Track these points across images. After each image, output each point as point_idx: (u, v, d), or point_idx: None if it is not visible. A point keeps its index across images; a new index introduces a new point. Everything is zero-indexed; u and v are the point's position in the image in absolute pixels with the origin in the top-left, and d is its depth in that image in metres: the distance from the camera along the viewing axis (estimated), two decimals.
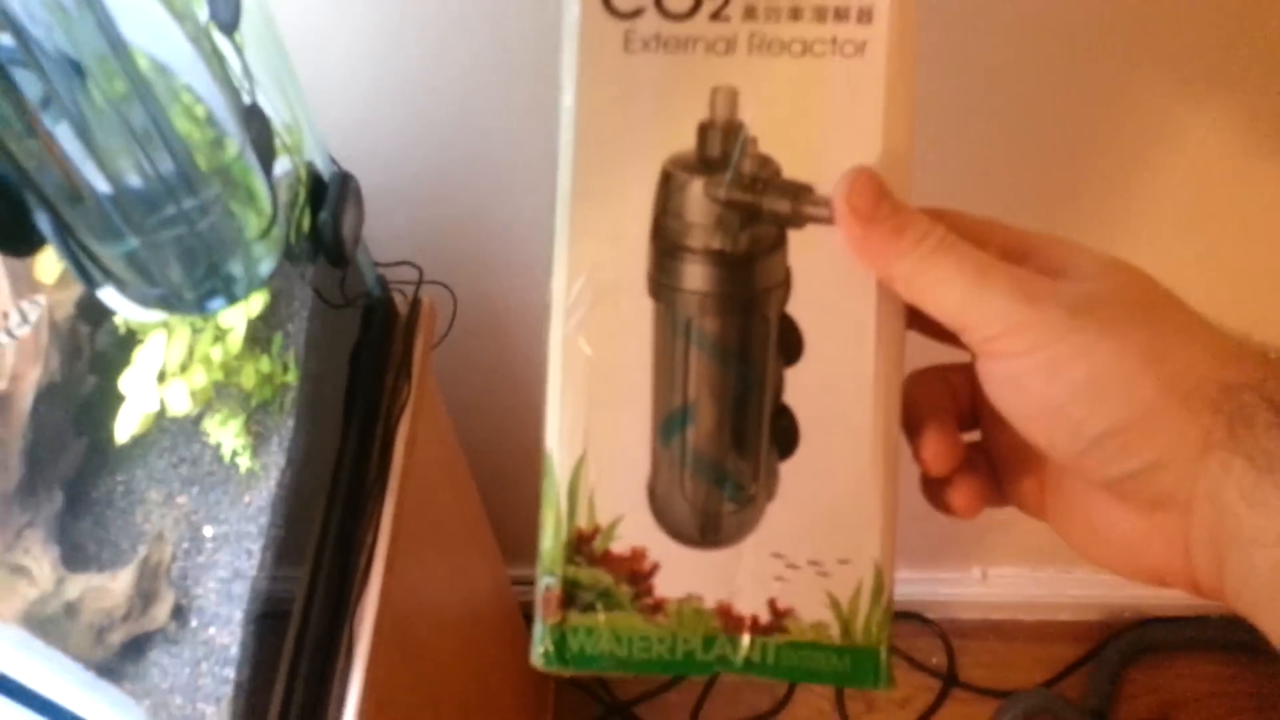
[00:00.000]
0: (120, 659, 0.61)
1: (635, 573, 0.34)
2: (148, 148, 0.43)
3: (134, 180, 0.43)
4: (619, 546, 0.34)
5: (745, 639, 0.34)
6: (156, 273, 0.45)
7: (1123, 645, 1.42)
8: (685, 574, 0.34)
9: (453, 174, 0.93)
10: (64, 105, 0.41)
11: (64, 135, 0.41)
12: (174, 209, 0.44)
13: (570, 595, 0.34)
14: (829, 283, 0.33)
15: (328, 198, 0.73)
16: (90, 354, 0.62)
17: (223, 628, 0.65)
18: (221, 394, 0.66)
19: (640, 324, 0.33)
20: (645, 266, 0.33)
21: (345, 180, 0.74)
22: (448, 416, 0.97)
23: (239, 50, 0.64)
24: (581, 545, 0.34)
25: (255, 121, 0.64)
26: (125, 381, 0.59)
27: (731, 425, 0.34)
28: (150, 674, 0.63)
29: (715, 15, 0.32)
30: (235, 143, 0.49)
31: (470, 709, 1.03)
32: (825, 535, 0.34)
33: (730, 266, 0.33)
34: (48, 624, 0.57)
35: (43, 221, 0.42)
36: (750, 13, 0.32)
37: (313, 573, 0.75)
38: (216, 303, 0.48)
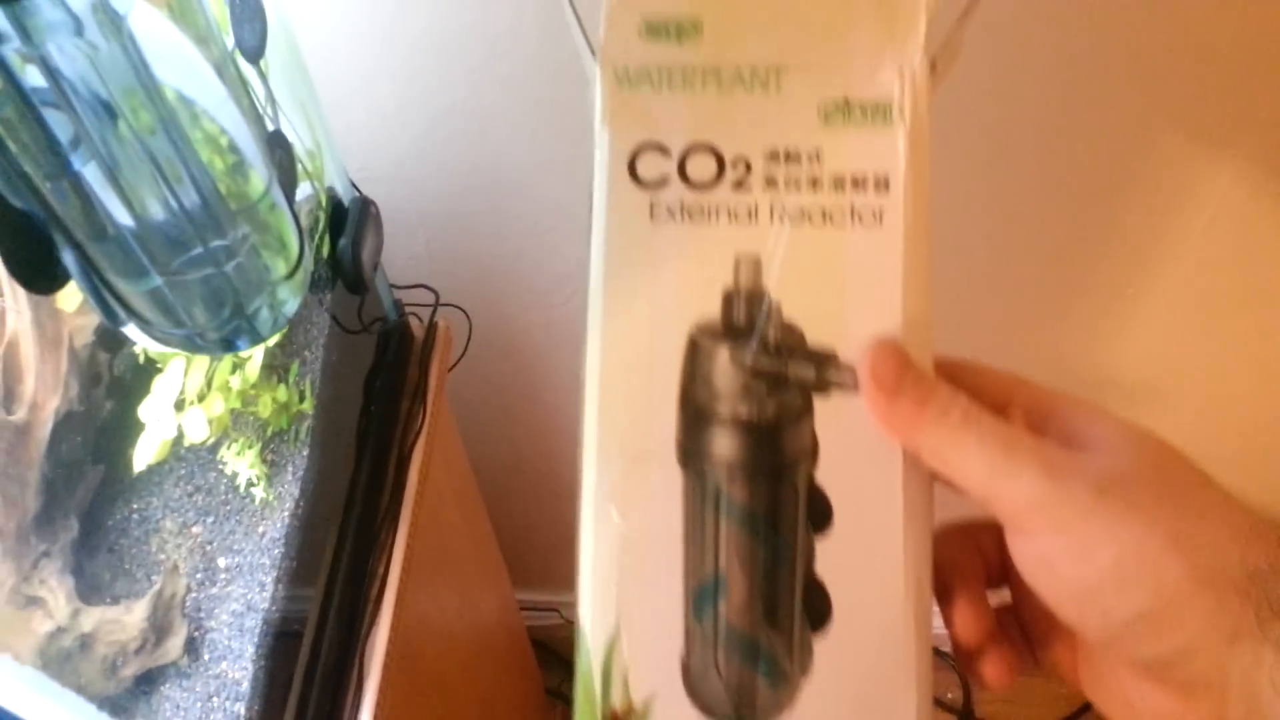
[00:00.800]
0: (133, 693, 0.60)
1: None
2: (175, 187, 0.42)
3: (161, 219, 0.42)
4: None
5: None
6: (181, 312, 0.44)
7: None
8: None
9: (470, 197, 0.93)
10: (93, 145, 0.40)
11: (92, 175, 0.40)
12: (201, 249, 0.43)
13: None
14: (855, 451, 0.33)
15: (348, 224, 0.72)
16: (109, 381, 0.62)
17: (234, 662, 0.64)
18: (238, 422, 0.65)
19: (670, 493, 0.33)
20: (674, 435, 0.33)
21: (365, 206, 0.74)
22: (460, 441, 0.97)
23: (264, 77, 0.63)
24: None
25: (279, 149, 0.63)
26: (144, 409, 0.58)
27: (764, 597, 0.34)
28: (162, 708, 0.62)
29: (738, 185, 0.33)
30: (263, 182, 0.48)
31: None
32: (860, 708, 0.34)
33: (757, 434, 0.33)
34: (62, 657, 0.56)
35: (68, 259, 0.41)
36: (771, 182, 0.33)
37: (324, 603, 0.74)
38: (240, 343, 0.48)
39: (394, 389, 0.83)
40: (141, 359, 0.61)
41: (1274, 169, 0.90)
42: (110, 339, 0.60)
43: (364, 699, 0.74)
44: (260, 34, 0.62)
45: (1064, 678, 0.36)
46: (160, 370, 0.59)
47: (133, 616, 0.60)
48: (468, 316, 0.93)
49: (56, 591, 0.57)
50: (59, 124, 0.37)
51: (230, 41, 0.59)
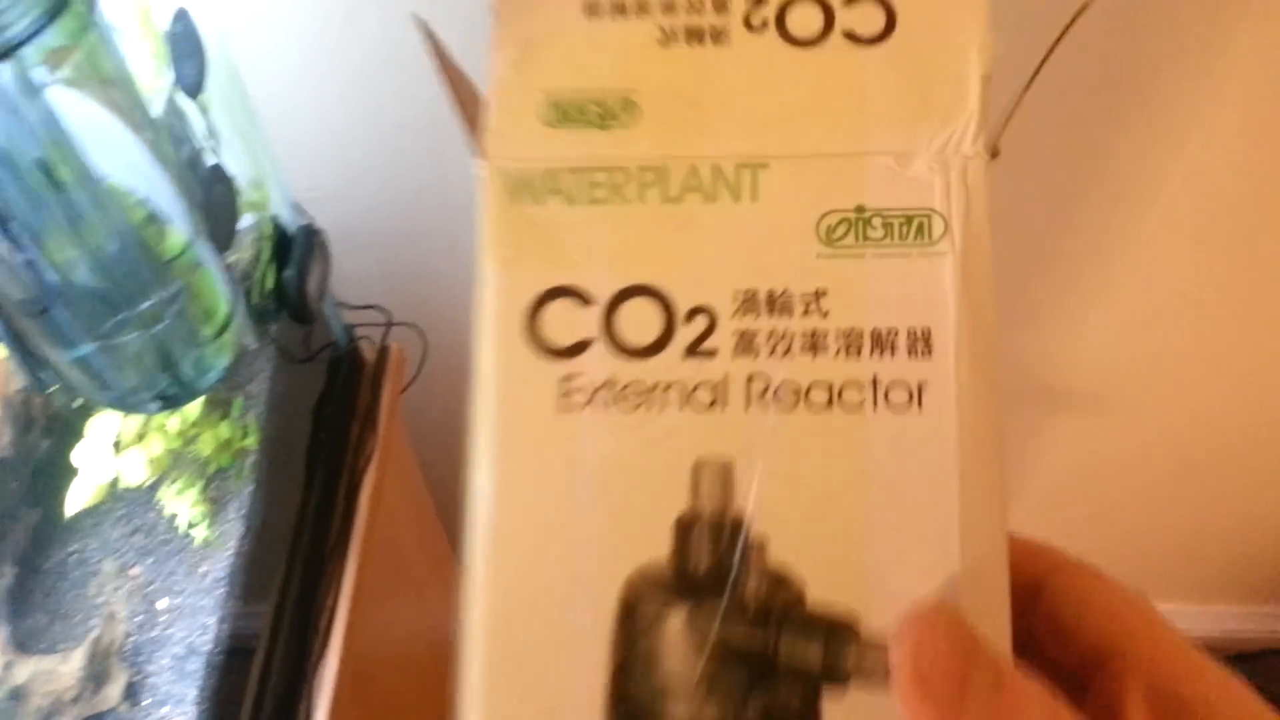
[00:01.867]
0: None
1: None
2: (96, 253, 0.41)
3: (83, 286, 0.41)
4: None
5: None
6: (111, 376, 0.43)
7: None
8: None
9: (423, 214, 0.91)
10: (13, 212, 0.39)
11: (14, 243, 0.39)
12: (126, 313, 0.42)
13: None
14: None
15: (293, 253, 0.71)
16: (43, 423, 0.60)
17: (176, 705, 0.63)
18: (179, 461, 0.64)
19: None
20: None
21: (311, 234, 0.72)
22: (415, 462, 0.96)
23: (204, 111, 0.62)
24: None
25: (218, 184, 0.61)
26: (79, 453, 0.57)
27: None
28: None
29: (695, 350, 0.22)
30: (185, 243, 0.47)
31: None
32: None
33: None
34: None
35: None
36: (747, 344, 0.22)
37: (271, 638, 0.73)
38: (172, 403, 0.47)
39: (344, 415, 0.82)
40: (76, 403, 0.59)
41: (1219, 170, 0.90)
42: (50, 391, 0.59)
43: None
44: (199, 69, 0.60)
45: None
46: (95, 412, 0.58)
47: (69, 666, 0.58)
48: (422, 335, 0.92)
49: None
50: None
51: (169, 79, 0.57)
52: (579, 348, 0.23)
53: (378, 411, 0.82)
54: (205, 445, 0.64)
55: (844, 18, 0.24)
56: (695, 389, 0.22)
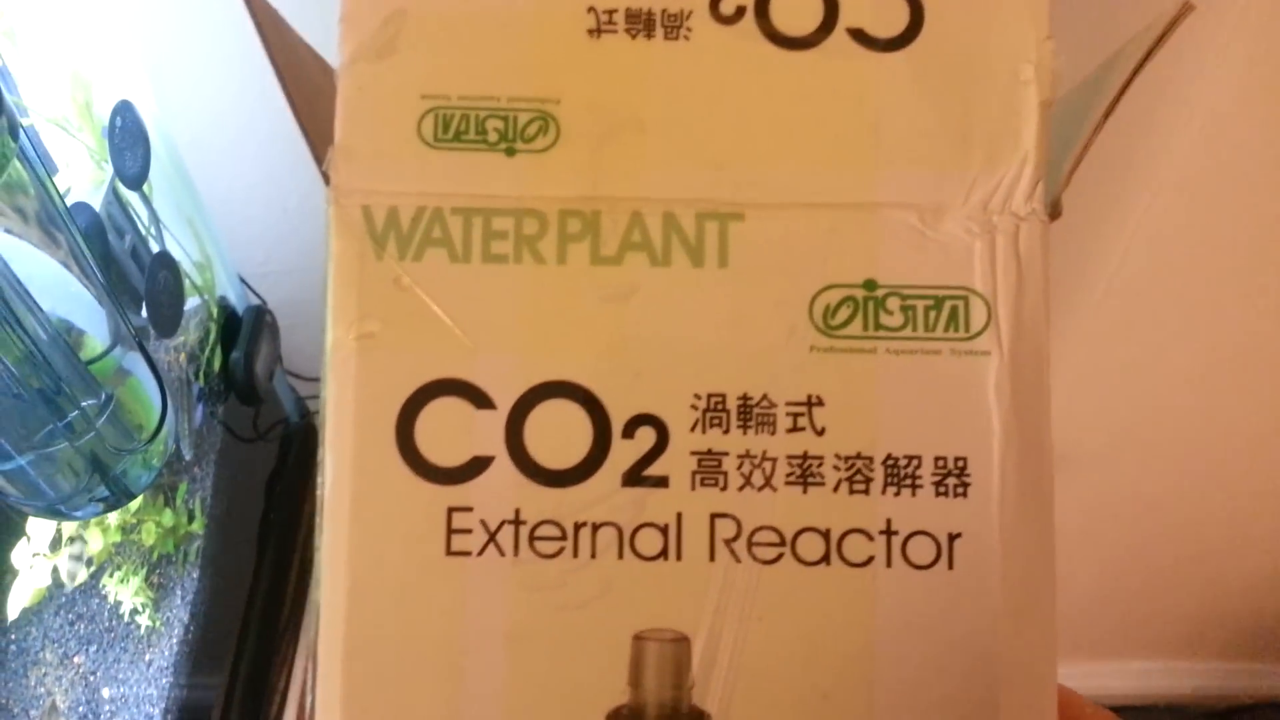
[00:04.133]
0: None
1: None
2: (21, 366, 0.41)
3: (8, 400, 0.41)
4: None
5: None
6: (40, 486, 0.43)
7: None
8: None
9: None
10: None
11: None
12: (52, 425, 0.42)
13: None
14: None
15: (240, 335, 0.71)
16: None
17: None
18: (121, 548, 0.63)
19: None
20: None
21: (260, 315, 0.72)
22: None
23: (146, 199, 0.62)
24: None
25: (162, 270, 0.62)
26: (15, 555, 0.56)
27: None
28: None
29: (635, 474, 0.16)
30: (112, 354, 0.47)
31: None
32: None
33: None
34: None
35: None
36: (711, 469, 0.16)
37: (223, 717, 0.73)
38: (107, 507, 0.46)
39: (296, 492, 0.81)
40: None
41: (1164, 237, 0.91)
42: None
43: None
44: (143, 159, 0.60)
45: None
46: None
47: None
48: None
49: None
50: None
51: (109, 172, 0.57)
52: (473, 468, 0.16)
53: None
54: (148, 534, 0.63)
55: (852, 8, 0.17)
56: (637, 531, 0.16)
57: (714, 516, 0.16)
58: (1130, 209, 0.87)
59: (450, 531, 0.16)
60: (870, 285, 0.16)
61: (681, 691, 0.16)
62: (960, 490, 0.16)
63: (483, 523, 0.16)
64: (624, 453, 0.16)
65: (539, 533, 0.16)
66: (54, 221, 0.43)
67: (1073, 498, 1.21)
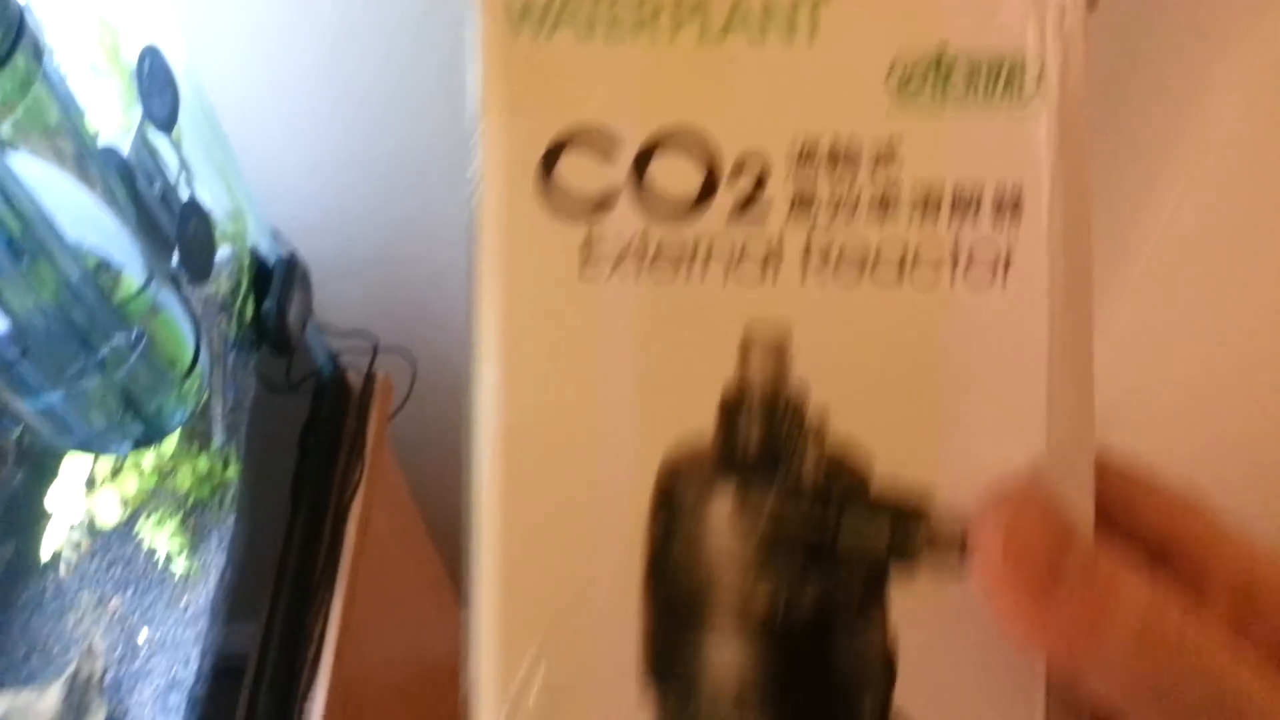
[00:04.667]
0: None
1: None
2: (49, 301, 0.41)
3: (44, 337, 0.41)
4: None
5: None
6: (75, 423, 0.43)
7: None
8: None
9: (407, 238, 0.92)
10: None
11: None
12: (86, 359, 0.42)
13: None
14: (963, 666, 0.20)
15: (272, 284, 0.71)
16: (15, 456, 0.60)
17: None
18: (156, 494, 0.64)
19: None
20: (637, 642, 0.20)
21: (291, 265, 0.72)
22: (406, 487, 0.96)
23: (176, 145, 0.62)
24: None
25: (193, 217, 0.62)
26: (52, 496, 0.57)
27: None
28: None
29: (744, 208, 0.19)
30: (139, 286, 0.47)
31: None
32: None
33: (788, 643, 0.20)
34: None
35: None
36: (804, 204, 0.19)
37: (257, 670, 0.73)
38: (138, 444, 0.47)
39: (330, 443, 0.82)
40: None
41: (1214, 196, 0.89)
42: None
43: None
44: (171, 104, 0.60)
45: None
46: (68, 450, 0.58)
47: (47, 701, 0.58)
48: (411, 359, 0.92)
49: None
50: None
51: (138, 115, 0.58)
52: (603, 204, 0.19)
53: (364, 439, 0.82)
54: (183, 479, 0.64)
55: None
56: (742, 256, 0.19)
57: (806, 243, 0.19)
58: (1179, 169, 0.85)
59: (583, 261, 0.20)
60: (942, 56, 0.19)
61: (782, 382, 0.19)
62: (1015, 212, 0.19)
63: (611, 252, 0.20)
64: (731, 189, 0.19)
65: (659, 256, 0.20)
66: (87, 158, 0.43)
67: None
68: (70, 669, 0.60)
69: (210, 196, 0.65)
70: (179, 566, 0.65)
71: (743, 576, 0.20)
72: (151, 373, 0.46)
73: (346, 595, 0.78)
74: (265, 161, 0.83)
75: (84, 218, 0.44)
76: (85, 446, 0.45)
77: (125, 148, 0.56)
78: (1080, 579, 0.18)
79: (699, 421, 0.20)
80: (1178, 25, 0.77)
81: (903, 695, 0.20)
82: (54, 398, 0.42)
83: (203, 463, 0.65)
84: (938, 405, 0.20)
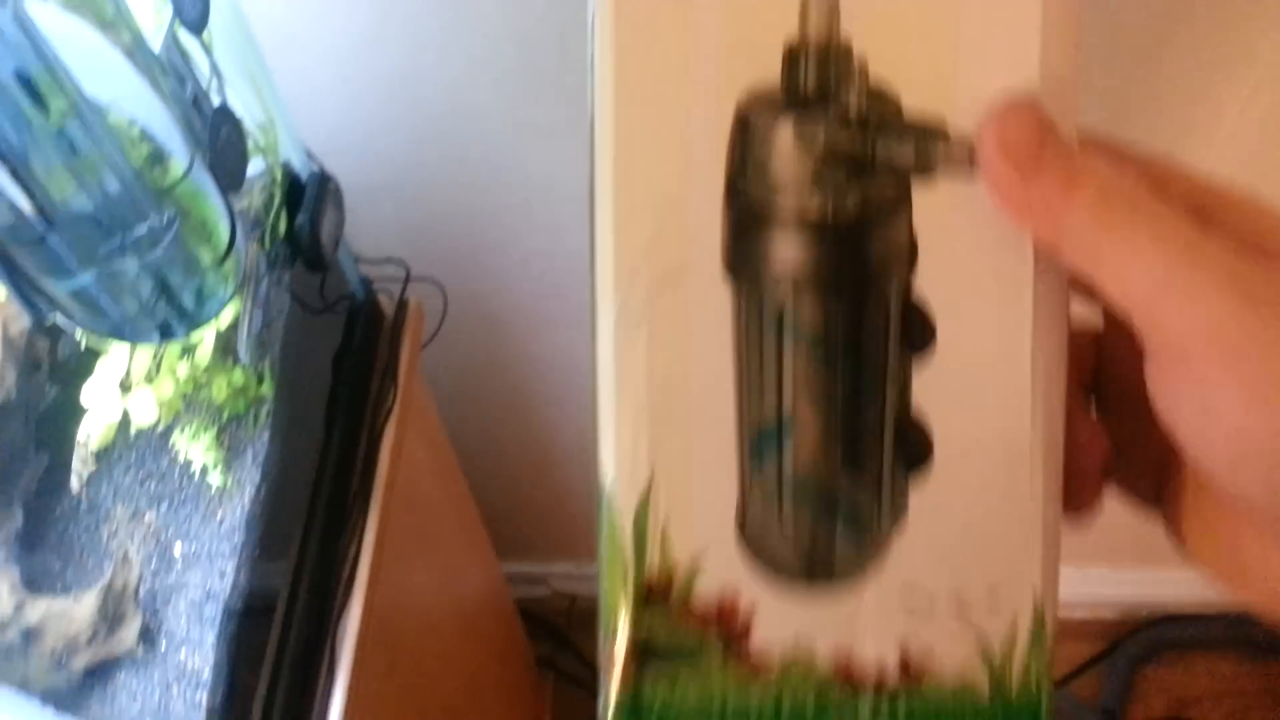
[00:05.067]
0: (84, 685, 0.59)
1: (726, 623, 0.27)
2: (87, 176, 0.40)
3: (75, 211, 0.40)
4: (703, 593, 0.27)
5: (868, 699, 0.27)
6: (108, 305, 0.42)
7: (1137, 644, 1.40)
8: (790, 621, 0.27)
9: (442, 166, 0.90)
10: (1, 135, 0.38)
11: (5, 167, 0.38)
12: (120, 240, 0.41)
13: (644, 656, 0.27)
14: (969, 252, 0.25)
15: (305, 200, 0.70)
16: (50, 366, 0.60)
17: (194, 650, 0.62)
18: (191, 406, 0.63)
19: (716, 317, 0.26)
20: (719, 241, 0.26)
21: (324, 181, 0.71)
22: (438, 417, 0.95)
23: (207, 49, 0.61)
24: (654, 595, 0.27)
25: (225, 124, 0.61)
26: (87, 391, 0.57)
27: (843, 439, 0.27)
28: (118, 699, 0.60)
29: None
30: (182, 167, 0.46)
31: (462, 712, 1.02)
32: (969, 565, 0.27)
33: (835, 237, 0.25)
34: (5, 652, 0.55)
35: None
36: None
37: (292, 587, 0.73)
38: (174, 332, 0.46)
39: (363, 368, 0.81)
40: (84, 344, 0.59)
41: None
42: (49, 325, 0.59)
43: (336, 682, 0.73)
44: (203, 4, 0.59)
45: (1153, 514, 0.29)
46: (102, 355, 0.57)
47: (82, 607, 0.58)
48: (442, 289, 0.91)
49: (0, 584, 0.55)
50: None
51: (169, 13, 0.56)
52: None
53: (397, 365, 0.81)
54: (218, 391, 0.63)
55: None
56: None
57: None
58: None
59: None
60: None
61: (832, 29, 0.25)
62: None
63: None
64: None
65: None
66: (127, 31, 0.42)
67: None
68: (105, 578, 0.60)
69: (242, 106, 0.64)
70: (214, 480, 0.65)
71: (801, 187, 0.25)
72: (185, 257, 0.45)
73: (380, 520, 0.77)
74: (294, 80, 0.82)
75: (129, 94, 0.43)
76: (118, 333, 0.44)
77: (156, 46, 0.55)
78: (1057, 164, 0.24)
79: (766, 67, 0.25)
80: (1178, 28, 0.75)
81: (921, 280, 0.26)
82: (86, 278, 0.41)
83: (237, 375, 0.64)
84: (958, 50, 0.25)
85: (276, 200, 0.68)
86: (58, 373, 0.60)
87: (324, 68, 0.83)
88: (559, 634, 1.39)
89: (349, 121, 0.86)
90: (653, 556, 0.27)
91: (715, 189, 0.25)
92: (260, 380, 0.68)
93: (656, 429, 0.26)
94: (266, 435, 0.69)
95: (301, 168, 0.71)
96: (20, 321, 0.57)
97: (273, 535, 0.70)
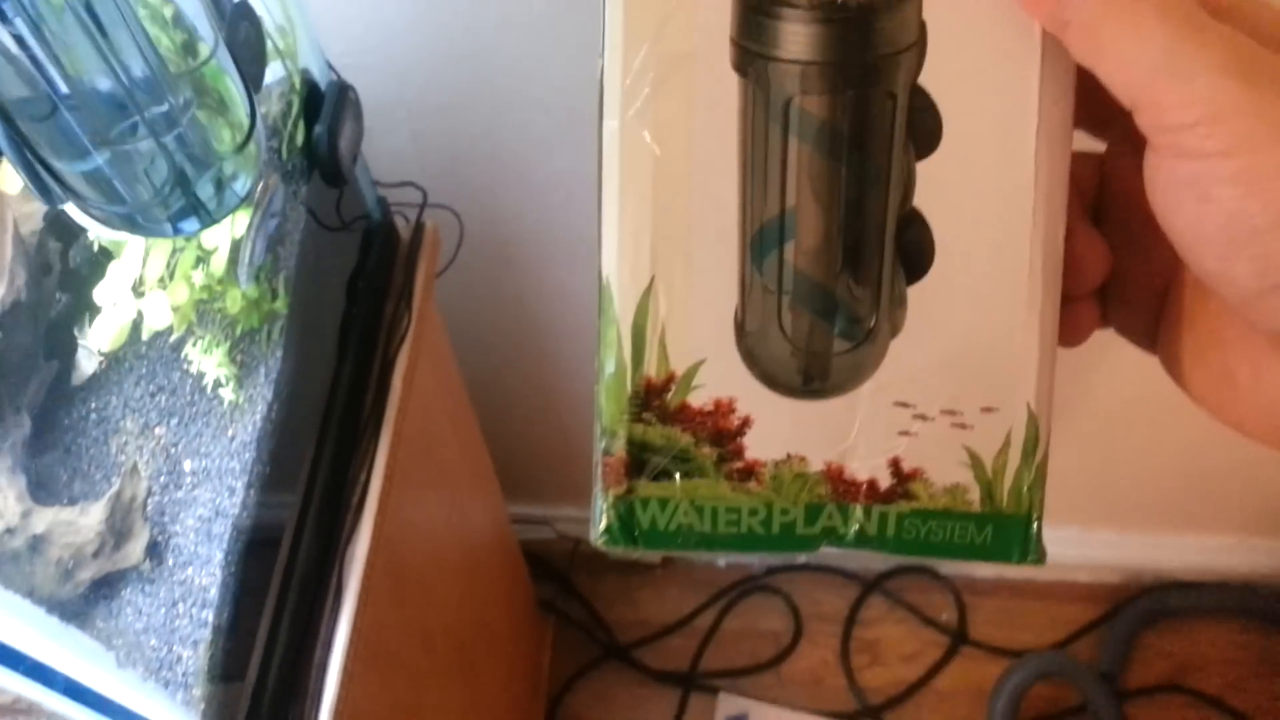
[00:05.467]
0: (90, 598, 0.57)
1: (720, 430, 0.27)
2: (106, 48, 0.38)
3: (94, 88, 0.38)
4: (699, 398, 0.27)
5: (859, 507, 0.27)
6: (121, 189, 0.40)
7: (1138, 608, 1.39)
8: (784, 430, 0.27)
9: (461, 91, 0.88)
10: (19, 6, 0.36)
11: (18, 40, 0.36)
12: (137, 118, 0.39)
13: (638, 460, 0.27)
14: (976, 43, 0.25)
15: (324, 109, 0.67)
16: (61, 271, 0.58)
17: (202, 568, 0.61)
18: (204, 319, 0.61)
19: (722, 108, 0.25)
20: (726, 28, 0.25)
21: (343, 91, 0.69)
22: (450, 347, 0.93)
23: None
24: (651, 398, 0.27)
25: (244, 21, 0.58)
26: (99, 292, 0.54)
27: (845, 238, 0.26)
28: (123, 614, 0.59)
29: None
30: (206, 46, 0.44)
31: (466, 648, 1.00)
32: (965, 377, 0.27)
33: (842, 24, 0.25)
34: (11, 559, 0.54)
35: None
36: None
37: (302, 509, 0.72)
38: (188, 224, 0.44)
39: (378, 291, 0.79)
40: (96, 248, 0.57)
41: None
42: (61, 228, 0.56)
43: (342, 608, 0.71)
44: None
45: (1136, 339, 0.29)
46: (115, 258, 0.55)
47: (89, 519, 0.56)
48: (458, 218, 0.89)
49: (6, 491, 0.54)
50: None
51: None
52: None
53: (412, 290, 0.79)
54: (232, 303, 0.61)
55: None
56: None
57: None
58: None
59: None
60: None
61: None
62: None
63: None
64: None
65: None
66: None
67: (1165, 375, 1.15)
68: (112, 489, 0.58)
69: (262, 6, 0.61)
70: (226, 395, 0.63)
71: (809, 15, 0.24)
72: (203, 141, 0.43)
73: (391, 447, 0.75)
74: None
75: None
76: (131, 221, 0.42)
77: None
78: None
79: None
80: None
81: (928, 79, 0.25)
82: (100, 159, 0.39)
83: (252, 289, 0.62)
84: None
85: (294, 108, 0.66)
86: (69, 279, 0.58)
87: None
88: (562, 577, 1.37)
89: (368, 39, 0.83)
90: (650, 362, 0.27)
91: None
92: (275, 295, 0.65)
93: (659, 226, 0.26)
94: (279, 353, 0.67)
95: (320, 76, 0.68)
96: (32, 221, 0.54)
97: (284, 454, 0.68)
